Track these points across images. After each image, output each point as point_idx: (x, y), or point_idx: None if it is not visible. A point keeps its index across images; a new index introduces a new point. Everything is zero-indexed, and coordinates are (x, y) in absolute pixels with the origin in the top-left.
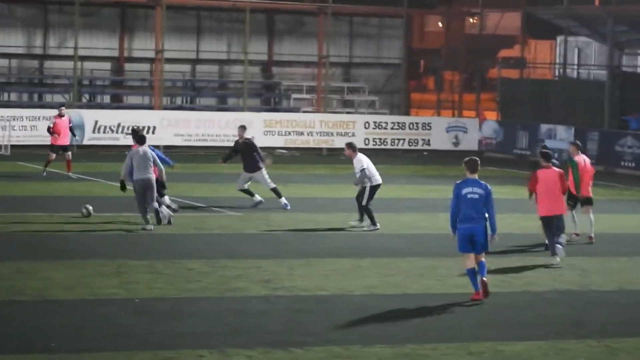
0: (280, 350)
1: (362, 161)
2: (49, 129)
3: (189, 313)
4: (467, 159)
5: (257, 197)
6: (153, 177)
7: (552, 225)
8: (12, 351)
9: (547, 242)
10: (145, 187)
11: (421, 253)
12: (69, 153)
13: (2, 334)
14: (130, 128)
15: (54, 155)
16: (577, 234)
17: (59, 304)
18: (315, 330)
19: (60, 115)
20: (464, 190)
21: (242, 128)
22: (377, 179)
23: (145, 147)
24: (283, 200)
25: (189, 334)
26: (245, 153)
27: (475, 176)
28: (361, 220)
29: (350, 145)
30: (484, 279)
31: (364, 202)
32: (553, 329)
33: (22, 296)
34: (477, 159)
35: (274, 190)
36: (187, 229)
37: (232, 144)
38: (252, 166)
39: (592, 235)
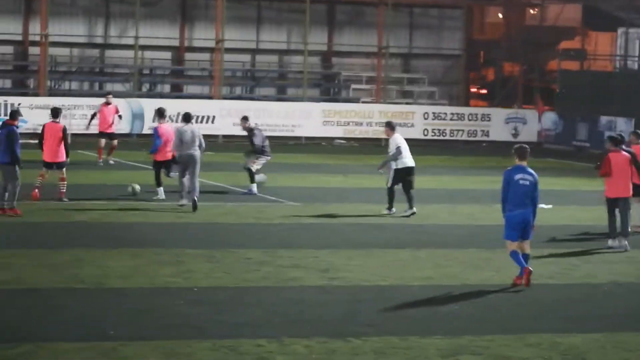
0: (338, 340)
1: (397, 140)
2: (93, 116)
3: (248, 302)
4: (516, 146)
5: (255, 188)
6: (198, 153)
7: (617, 207)
8: (71, 338)
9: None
10: (189, 162)
11: (479, 244)
12: (115, 141)
13: (62, 321)
14: (158, 108)
15: (103, 142)
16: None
17: (117, 292)
18: (372, 321)
19: (107, 104)
20: (516, 177)
21: (244, 119)
22: (406, 162)
23: (191, 126)
24: (254, 187)
25: (247, 323)
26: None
27: (525, 163)
28: (411, 207)
29: (388, 124)
30: (530, 268)
31: (388, 184)
32: (611, 322)
33: (81, 284)
34: (527, 146)
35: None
36: (245, 219)
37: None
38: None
39: None
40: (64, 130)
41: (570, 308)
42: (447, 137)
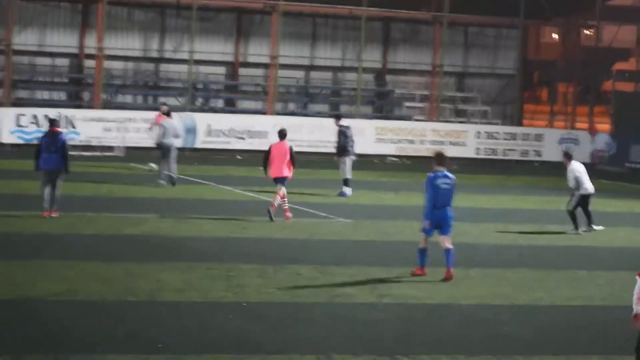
0: (387, 358)
1: (575, 170)
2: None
3: (298, 318)
4: (435, 152)
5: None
6: (175, 143)
7: None
8: (122, 351)
9: None
10: (169, 149)
11: (530, 264)
12: None
13: (113, 333)
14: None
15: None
16: None
17: (169, 305)
18: (422, 339)
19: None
20: (438, 182)
21: (335, 117)
22: (588, 188)
23: (172, 120)
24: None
25: (297, 339)
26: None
27: (444, 169)
28: (576, 227)
29: (565, 154)
30: (451, 269)
31: (569, 207)
32: None
33: (133, 297)
34: (444, 152)
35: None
36: (298, 234)
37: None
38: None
39: None
40: (291, 150)
41: (623, 330)
42: (500, 157)
